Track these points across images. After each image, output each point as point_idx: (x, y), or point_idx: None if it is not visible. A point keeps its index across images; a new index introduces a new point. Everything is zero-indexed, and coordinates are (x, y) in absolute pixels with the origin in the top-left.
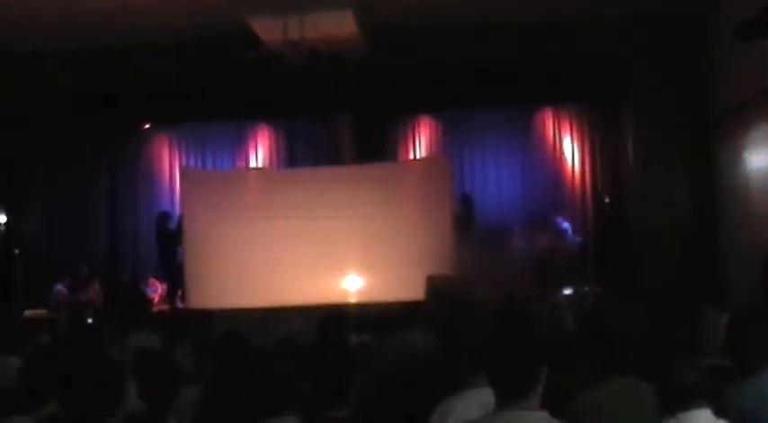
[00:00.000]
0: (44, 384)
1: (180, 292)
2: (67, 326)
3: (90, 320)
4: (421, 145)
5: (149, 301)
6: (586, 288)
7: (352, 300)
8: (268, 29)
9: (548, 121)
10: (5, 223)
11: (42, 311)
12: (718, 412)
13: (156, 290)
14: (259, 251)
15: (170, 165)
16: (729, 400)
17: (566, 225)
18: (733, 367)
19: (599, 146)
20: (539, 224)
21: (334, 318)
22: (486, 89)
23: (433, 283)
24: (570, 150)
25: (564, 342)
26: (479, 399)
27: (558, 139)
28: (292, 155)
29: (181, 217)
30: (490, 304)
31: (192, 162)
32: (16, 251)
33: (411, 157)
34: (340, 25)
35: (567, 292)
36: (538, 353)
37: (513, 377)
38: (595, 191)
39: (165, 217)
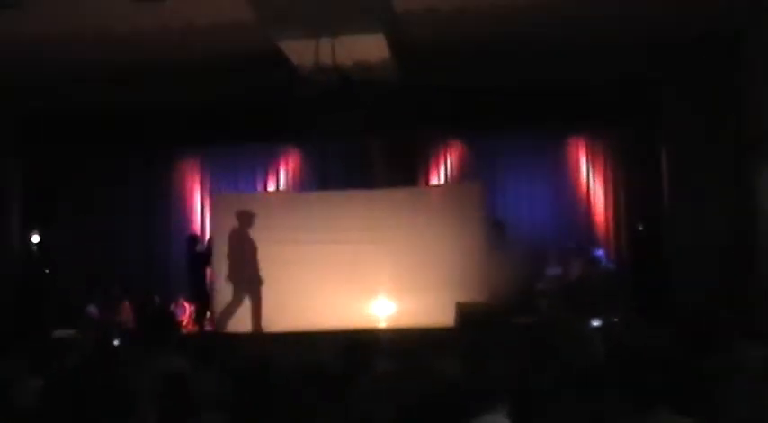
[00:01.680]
0: (62, 407)
1: (209, 315)
2: (93, 348)
3: (117, 342)
4: (452, 169)
5: (178, 324)
6: (616, 319)
7: (382, 325)
8: (299, 52)
9: (579, 147)
10: (38, 243)
11: (71, 332)
12: None
13: (185, 311)
14: (288, 275)
15: (201, 187)
16: None
17: (599, 252)
18: None
19: (632, 172)
20: (572, 251)
21: (360, 345)
22: (517, 113)
23: (462, 310)
24: (603, 176)
25: (593, 374)
26: None
27: (590, 164)
28: (322, 178)
29: (211, 239)
30: (521, 332)
31: (221, 185)
32: (47, 270)
33: (442, 181)
34: (372, 49)
35: (597, 323)
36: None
37: (538, 408)
38: (629, 218)
39: (194, 239)
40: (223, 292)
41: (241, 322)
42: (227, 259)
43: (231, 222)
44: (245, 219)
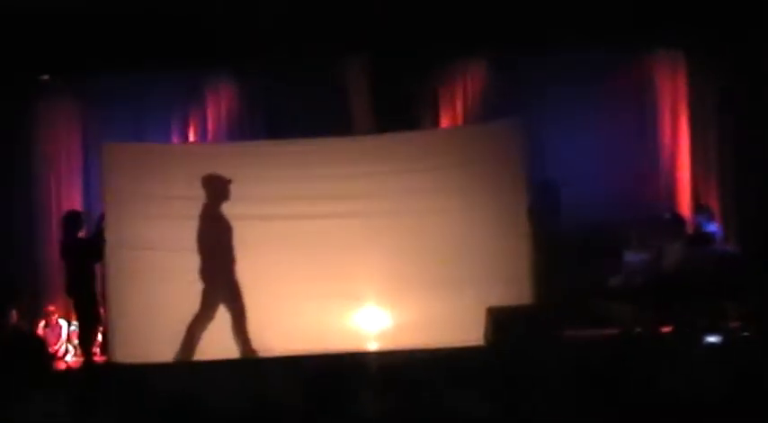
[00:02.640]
0: None
1: (99, 337)
2: None
3: None
4: (472, 105)
5: (50, 354)
6: (744, 332)
7: (370, 346)
8: None
9: (662, 71)
10: None
11: None
12: None
13: (61, 334)
14: None
15: (84, 138)
16: None
17: (712, 227)
18: None
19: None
20: (666, 225)
21: (334, 374)
22: (567, 19)
23: (494, 319)
24: (702, 115)
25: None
26: None
27: (684, 96)
28: (273, 122)
29: (101, 218)
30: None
31: (117, 134)
32: None
33: (458, 122)
34: None
35: (713, 339)
36: None
37: None
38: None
39: (74, 219)
40: (121, 300)
41: (147, 346)
42: (198, 253)
43: (131, 189)
44: (219, 188)
